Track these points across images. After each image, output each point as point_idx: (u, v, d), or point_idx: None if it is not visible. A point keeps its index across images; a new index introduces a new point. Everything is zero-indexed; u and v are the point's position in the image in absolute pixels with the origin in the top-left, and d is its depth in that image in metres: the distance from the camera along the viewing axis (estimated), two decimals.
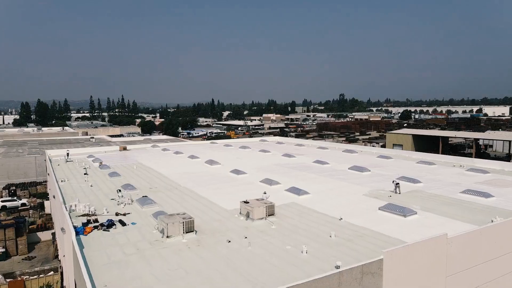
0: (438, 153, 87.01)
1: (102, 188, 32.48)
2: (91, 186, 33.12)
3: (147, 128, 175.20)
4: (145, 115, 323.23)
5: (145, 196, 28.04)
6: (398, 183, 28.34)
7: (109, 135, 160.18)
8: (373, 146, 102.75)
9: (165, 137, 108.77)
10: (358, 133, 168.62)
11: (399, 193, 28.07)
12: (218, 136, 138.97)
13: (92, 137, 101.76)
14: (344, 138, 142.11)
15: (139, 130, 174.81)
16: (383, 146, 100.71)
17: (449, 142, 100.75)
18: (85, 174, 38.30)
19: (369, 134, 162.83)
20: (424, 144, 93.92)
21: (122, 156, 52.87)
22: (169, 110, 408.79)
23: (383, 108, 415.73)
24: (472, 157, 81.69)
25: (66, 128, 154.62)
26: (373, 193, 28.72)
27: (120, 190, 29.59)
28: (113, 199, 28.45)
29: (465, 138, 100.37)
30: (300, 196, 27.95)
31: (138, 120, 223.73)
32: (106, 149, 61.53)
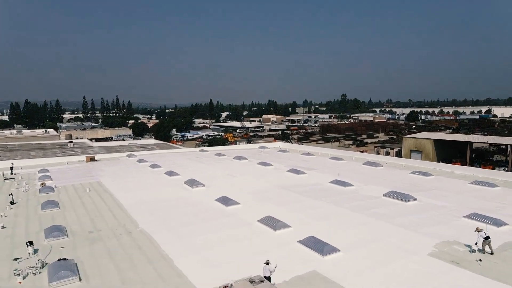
0: (465, 160, 76.00)
1: (17, 232, 21.27)
2: (3, 227, 21.89)
3: (139, 130, 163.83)
4: (140, 116, 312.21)
5: (64, 259, 16.74)
6: (488, 237, 16.97)
7: (96, 138, 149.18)
8: (387, 152, 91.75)
9: (153, 141, 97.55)
10: (365, 136, 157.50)
11: (480, 249, 16.93)
12: (214, 140, 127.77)
13: (71, 142, 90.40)
14: (351, 142, 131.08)
15: (130, 132, 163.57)
16: (399, 152, 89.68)
17: (473, 148, 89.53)
18: (10, 202, 27.07)
19: (377, 137, 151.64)
20: (446, 150, 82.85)
21: (84, 170, 41.63)
22: (166, 110, 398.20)
23: (387, 109, 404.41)
24: (508, 166, 71.06)
25: (49, 130, 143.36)
26: (444, 250, 17.46)
27: (31, 243, 18.31)
28: (17, 259, 17.30)
29: (489, 143, 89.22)
30: (326, 256, 16.75)
31: (131, 121, 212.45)
32: (71, 159, 50.44)
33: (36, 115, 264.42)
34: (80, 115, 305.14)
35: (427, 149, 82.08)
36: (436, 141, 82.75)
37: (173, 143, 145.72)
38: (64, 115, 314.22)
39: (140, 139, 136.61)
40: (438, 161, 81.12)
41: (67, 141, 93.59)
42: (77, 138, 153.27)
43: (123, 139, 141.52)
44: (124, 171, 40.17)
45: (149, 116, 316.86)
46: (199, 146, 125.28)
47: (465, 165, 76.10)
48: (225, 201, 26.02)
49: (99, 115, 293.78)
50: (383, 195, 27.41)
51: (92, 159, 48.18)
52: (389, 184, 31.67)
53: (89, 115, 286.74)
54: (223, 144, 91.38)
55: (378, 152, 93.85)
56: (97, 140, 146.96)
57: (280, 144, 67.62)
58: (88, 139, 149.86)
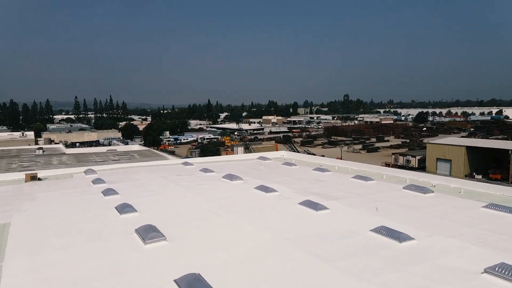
0: (506, 172, 64.06)
1: None
2: None
3: (129, 133, 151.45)
4: (136, 117, 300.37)
5: None
6: None
7: (80, 142, 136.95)
8: (408, 160, 79.80)
9: (137, 147, 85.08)
10: (374, 139, 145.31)
11: None
12: (208, 145, 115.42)
13: (40, 148, 78.12)
14: (360, 146, 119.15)
15: (119, 135, 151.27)
16: (422, 160, 77.72)
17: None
18: None
19: (388, 140, 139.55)
20: (479, 159, 70.66)
21: (7, 198, 29.41)
22: (164, 111, 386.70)
23: (391, 110, 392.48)
24: None
25: (27, 133, 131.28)
26: None
27: None
28: None
29: None
30: None
31: (123, 123, 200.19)
32: (8, 177, 38.17)
33: (26, 116, 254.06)
34: (71, 116, 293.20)
35: (457, 158, 69.89)
36: (468, 149, 70.35)
37: (165, 147, 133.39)
38: (57, 116, 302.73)
39: (127, 143, 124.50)
40: (472, 173, 69.18)
41: (36, 147, 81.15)
42: (60, 142, 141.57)
43: (109, 143, 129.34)
44: (62, 201, 27.87)
45: (144, 117, 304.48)
46: (192, 151, 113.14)
47: (507, 178, 64.40)
48: (193, 286, 13.65)
49: (92, 115, 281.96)
50: (486, 271, 15.00)
51: (34, 177, 35.94)
52: (466, 233, 19.54)
53: (81, 116, 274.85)
54: (218, 151, 79.25)
55: (396, 160, 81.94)
56: (82, 143, 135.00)
57: (284, 154, 55.38)
58: (71, 142, 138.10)
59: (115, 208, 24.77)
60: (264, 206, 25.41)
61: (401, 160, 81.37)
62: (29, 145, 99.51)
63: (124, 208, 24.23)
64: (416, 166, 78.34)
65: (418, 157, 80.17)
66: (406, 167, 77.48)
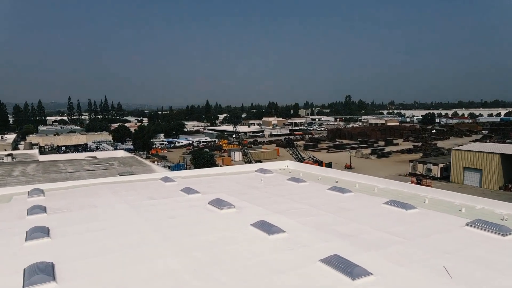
0: None
1: None
2: None
3: (120, 136, 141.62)
4: (132, 119, 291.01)
5: None
6: None
7: (67, 146, 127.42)
8: (429, 169, 70.47)
9: (121, 153, 75.41)
10: (382, 142, 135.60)
11: None
12: (204, 148, 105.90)
13: (10, 154, 68.65)
14: (369, 151, 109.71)
15: (110, 138, 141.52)
16: (445, 169, 68.34)
17: None
18: None
19: (397, 144, 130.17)
20: (510, 169, 61.20)
21: None
22: (162, 112, 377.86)
23: (395, 111, 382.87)
24: None
25: (7, 136, 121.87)
26: None
27: None
28: None
29: None
30: None
31: (116, 125, 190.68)
32: None
33: (17, 117, 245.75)
34: (64, 118, 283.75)
35: (490, 167, 60.21)
36: (503, 156, 60.66)
37: (157, 151, 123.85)
38: (51, 117, 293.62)
39: (116, 147, 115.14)
40: (507, 185, 59.96)
41: (5, 153, 71.65)
42: (46, 145, 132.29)
43: (97, 147, 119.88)
44: None
45: (140, 119, 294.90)
46: (184, 156, 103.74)
47: None
48: None
49: (86, 117, 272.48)
50: None
51: None
52: None
53: (74, 117, 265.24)
54: (211, 159, 70.19)
55: (415, 169, 72.76)
56: (68, 147, 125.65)
57: (289, 164, 46.04)
58: (57, 146, 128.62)
59: (24, 270, 15.36)
60: (266, 267, 15.95)
61: (420, 168, 71.99)
62: (5, 150, 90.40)
63: (35, 274, 14.78)
64: (439, 175, 69.31)
65: (440, 165, 70.48)
66: (426, 176, 68.58)
